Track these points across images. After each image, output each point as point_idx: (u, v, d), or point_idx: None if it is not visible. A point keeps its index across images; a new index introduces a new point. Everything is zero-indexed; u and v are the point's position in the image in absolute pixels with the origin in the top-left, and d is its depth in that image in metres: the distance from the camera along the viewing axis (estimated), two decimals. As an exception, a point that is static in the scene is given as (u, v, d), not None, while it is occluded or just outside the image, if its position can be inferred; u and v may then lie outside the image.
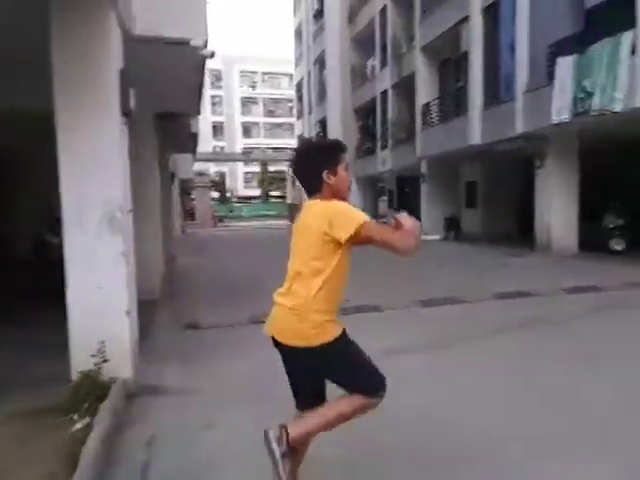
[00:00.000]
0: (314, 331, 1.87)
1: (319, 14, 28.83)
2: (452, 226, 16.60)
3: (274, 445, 1.87)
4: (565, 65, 9.19)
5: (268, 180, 53.75)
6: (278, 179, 52.61)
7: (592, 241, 11.13)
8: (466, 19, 13.52)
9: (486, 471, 2.36)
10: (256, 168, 56.21)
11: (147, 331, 4.79)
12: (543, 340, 4.75)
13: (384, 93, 21.09)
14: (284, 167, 44.86)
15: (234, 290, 7.87)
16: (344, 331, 1.95)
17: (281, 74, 62.10)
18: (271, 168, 52.72)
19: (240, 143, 61.38)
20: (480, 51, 13.04)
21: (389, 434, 2.66)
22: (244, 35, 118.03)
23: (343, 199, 1.99)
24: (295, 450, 1.93)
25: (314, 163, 2.01)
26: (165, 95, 5.83)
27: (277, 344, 2.00)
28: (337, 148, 2.08)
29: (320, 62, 29.15)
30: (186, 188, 28.91)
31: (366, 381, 1.94)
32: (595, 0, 9.14)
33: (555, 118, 9.47)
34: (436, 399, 3.21)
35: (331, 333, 1.90)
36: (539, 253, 11.22)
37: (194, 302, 6.93)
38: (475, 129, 12.99)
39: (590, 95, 8.68)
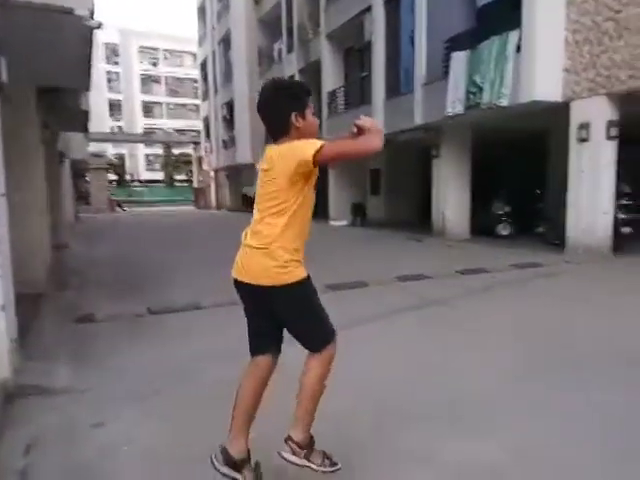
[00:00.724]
0: (281, 270, 1.88)
1: (224, -8, 27.89)
2: (358, 212, 17.11)
3: (294, 459, 1.94)
4: (458, 60, 9.77)
5: (172, 163, 51.39)
6: (183, 162, 50.49)
7: (482, 226, 12.09)
8: (369, 9, 13.83)
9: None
10: (159, 150, 53.44)
11: (31, 327, 4.37)
12: (438, 318, 5.11)
13: (291, 78, 21.00)
14: (190, 150, 43.15)
15: (133, 280, 7.45)
16: (308, 276, 1.96)
17: (184, 52, 59.36)
18: (175, 151, 50.42)
19: (141, 123, 57.95)
20: (382, 42, 13.43)
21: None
22: (145, 9, 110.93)
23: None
24: (312, 443, 2.00)
25: (283, 104, 1.92)
26: (48, 68, 5.26)
27: (240, 285, 1.99)
28: (306, 91, 2.01)
29: (225, 42, 28.25)
30: (80, 170, 26.66)
31: (319, 331, 1.98)
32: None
33: (450, 111, 10.06)
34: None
35: (296, 274, 1.91)
36: (436, 238, 11.95)
37: (87, 294, 6.45)
38: (378, 119, 13.41)
39: (480, 90, 9.32)
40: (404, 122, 12.11)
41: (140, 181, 54.87)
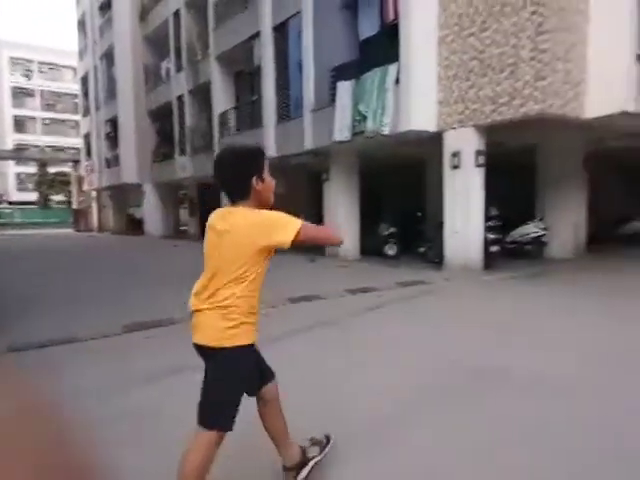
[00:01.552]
0: (232, 331, 1.88)
1: (106, 6, 26.46)
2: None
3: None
4: (344, 89, 10.19)
5: (48, 183, 46.96)
6: (60, 182, 46.35)
7: (371, 247, 12.59)
8: (258, 35, 13.97)
9: None
10: (33, 169, 48.60)
11: None
12: (329, 338, 5.12)
13: (180, 98, 20.41)
14: (68, 168, 39.79)
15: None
16: (254, 344, 2.00)
17: (64, 66, 55.25)
18: (52, 169, 46.20)
19: (11, 139, 52.45)
20: (272, 67, 13.59)
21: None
22: (18, 19, 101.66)
23: (268, 204, 2.02)
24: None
25: (242, 169, 1.96)
26: None
27: (201, 351, 1.97)
28: (262, 153, 2.06)
29: (108, 57, 26.73)
30: None
31: (224, 409, 1.93)
32: (367, 33, 10.32)
33: (337, 137, 10.41)
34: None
35: (247, 337, 1.94)
36: (329, 258, 12.18)
37: None
38: (270, 141, 13.48)
39: (365, 118, 9.78)
40: (295, 146, 12.29)
41: (10, 202, 49.37)
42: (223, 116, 16.67)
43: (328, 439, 2.41)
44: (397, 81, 9.29)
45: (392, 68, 9.29)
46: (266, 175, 2.01)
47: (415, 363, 4.20)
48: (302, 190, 17.12)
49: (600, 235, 13.50)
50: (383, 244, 12.43)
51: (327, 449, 2.35)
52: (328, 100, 11.05)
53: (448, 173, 9.39)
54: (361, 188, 12.73)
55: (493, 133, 9.27)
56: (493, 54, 8.33)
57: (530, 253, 10.89)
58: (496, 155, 9.84)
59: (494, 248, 9.78)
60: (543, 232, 10.77)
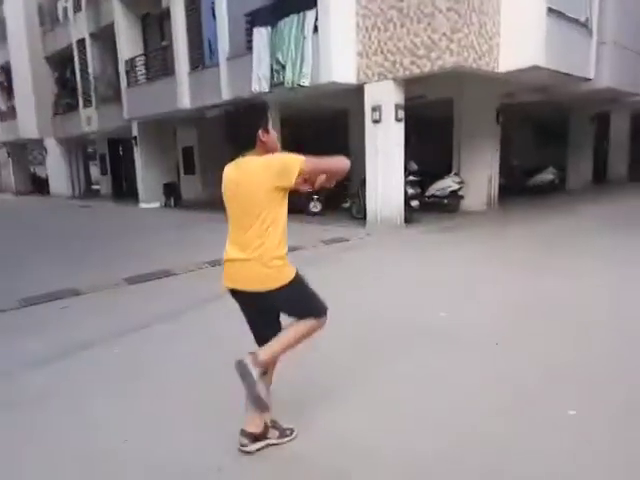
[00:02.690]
0: (276, 275, 2.14)
1: None
2: (171, 193, 16.03)
3: (250, 368, 2.15)
4: (260, 36, 9.58)
5: None
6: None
7: (295, 205, 12.34)
8: (165, -28, 12.70)
9: None
10: None
11: None
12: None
13: (82, 42, 18.38)
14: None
15: None
16: (297, 271, 2.25)
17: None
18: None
19: None
20: (182, 10, 12.48)
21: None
22: None
23: (274, 153, 2.16)
24: (265, 372, 2.23)
25: (253, 120, 2.15)
26: None
27: (236, 294, 2.25)
28: (267, 108, 2.26)
29: (-6, -8, 23.37)
30: None
31: (314, 308, 2.25)
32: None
33: (256, 88, 9.87)
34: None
35: (287, 276, 2.19)
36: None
37: None
38: (184, 92, 12.59)
39: (283, 68, 9.30)
40: (211, 97, 11.55)
41: None
42: (130, 63, 15.24)
43: (291, 431, 2.45)
44: (316, 29, 8.85)
45: (310, 15, 8.82)
46: (270, 128, 2.20)
47: (337, 316, 4.14)
48: (221, 144, 16.39)
49: (512, 187, 14.24)
50: (307, 201, 12.28)
51: (285, 440, 2.41)
52: (245, 47, 10.38)
53: (369, 128, 9.27)
54: (283, 142, 12.33)
55: (413, 86, 9.21)
56: (412, 3, 8.11)
57: (448, 206, 11.24)
58: (416, 109, 9.83)
59: (414, 203, 9.96)
60: (459, 186, 11.10)
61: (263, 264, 2.12)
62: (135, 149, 16.20)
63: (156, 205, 15.88)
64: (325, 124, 14.42)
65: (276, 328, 2.30)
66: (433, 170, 11.30)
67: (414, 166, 10.19)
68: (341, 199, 11.96)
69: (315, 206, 12.13)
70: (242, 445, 2.32)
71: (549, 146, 19.11)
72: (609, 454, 2.27)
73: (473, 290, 5.13)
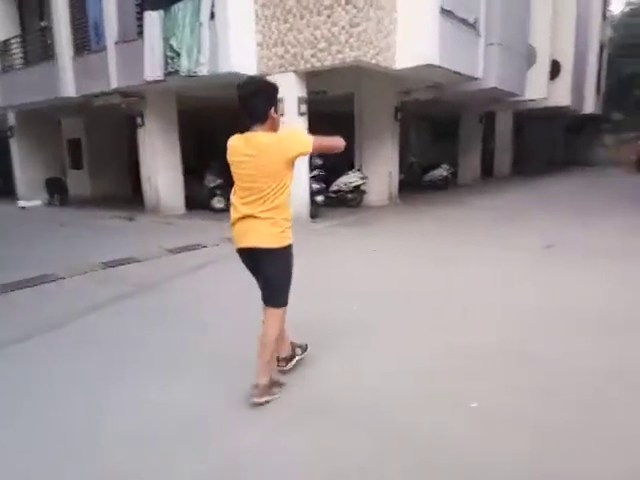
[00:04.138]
0: (282, 235, 2.51)
1: None
2: (56, 189, 14.53)
3: (264, 399, 2.60)
4: (152, 20, 8.92)
5: None
6: None
7: (198, 200, 11.83)
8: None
9: None
10: None
11: None
12: (151, 306, 4.53)
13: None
14: None
15: None
16: (291, 243, 2.60)
17: None
18: None
19: None
20: (62, -14, 11.30)
21: None
22: None
23: (276, 130, 2.55)
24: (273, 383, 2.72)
25: (265, 100, 2.50)
26: None
27: (244, 251, 2.60)
28: (277, 90, 2.61)
29: None
30: None
31: (286, 292, 2.63)
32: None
33: (149, 75, 9.19)
34: None
35: (290, 238, 2.57)
36: (149, 215, 11.09)
37: None
38: (67, 79, 11.41)
39: (179, 55, 8.75)
40: (98, 84, 10.59)
41: None
42: (4, 45, 13.53)
43: (306, 346, 3.19)
44: (212, 16, 8.42)
45: (206, 1, 8.36)
46: (276, 107, 2.57)
47: (252, 316, 3.90)
48: (116, 137, 15.23)
49: (410, 182, 14.85)
50: (210, 197, 11.77)
51: (306, 352, 3.16)
52: (136, 31, 9.61)
53: (271, 120, 9.04)
54: (184, 135, 11.70)
55: (315, 80, 9.14)
56: (310, -5, 8.01)
57: (352, 201, 11.38)
58: (318, 104, 9.79)
59: (319, 198, 9.93)
60: (362, 181, 11.29)
61: (273, 223, 2.48)
62: (11, 141, 14.45)
63: (37, 203, 14.32)
64: (230, 118, 13.92)
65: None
66: (337, 165, 11.37)
67: (318, 161, 10.16)
68: (245, 194, 11.62)
69: (219, 201, 11.66)
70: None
71: (443, 143, 20.27)
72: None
73: (378, 281, 5.15)
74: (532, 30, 15.27)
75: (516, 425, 2.43)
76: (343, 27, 7.74)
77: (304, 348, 3.17)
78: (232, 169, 2.57)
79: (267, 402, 2.62)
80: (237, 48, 8.48)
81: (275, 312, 2.63)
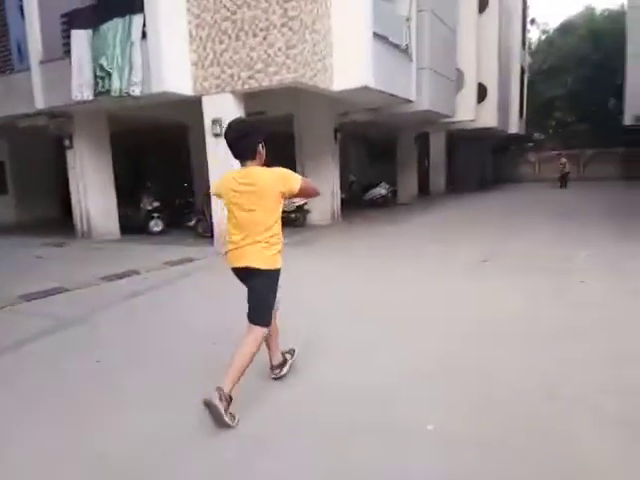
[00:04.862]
0: (274, 258, 2.80)
1: None
2: (-25, 217, 13.48)
3: (218, 403, 2.52)
4: (80, 39, 8.54)
5: None
6: None
7: (133, 224, 11.35)
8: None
9: None
10: None
11: None
12: (75, 343, 4.17)
13: None
14: None
15: None
16: (280, 268, 2.88)
17: None
18: None
19: None
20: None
21: None
22: None
23: (264, 164, 2.84)
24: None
25: (255, 138, 2.78)
26: None
27: (240, 271, 2.83)
28: (265, 128, 2.89)
29: None
30: None
31: (269, 310, 2.87)
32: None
33: (77, 96, 8.76)
34: None
35: (279, 262, 2.86)
36: (81, 240, 10.48)
37: None
38: (-14, 98, 10.69)
39: (109, 75, 8.41)
40: (22, 105, 9.98)
41: None
42: None
43: (294, 350, 3.37)
44: (144, 35, 8.20)
45: (137, 19, 8.13)
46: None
47: (190, 339, 3.67)
48: (44, 160, 14.42)
49: (351, 201, 15.08)
50: (147, 220, 11.33)
51: (295, 355, 3.35)
52: (62, 50, 9.17)
53: (211, 142, 8.88)
54: (118, 156, 11.25)
55: (253, 101, 9.09)
56: (246, 16, 8.00)
57: (296, 221, 11.34)
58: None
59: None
60: (305, 201, 11.30)
61: (267, 247, 2.73)
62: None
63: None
64: (166, 139, 13.59)
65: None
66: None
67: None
68: (185, 217, 11.31)
69: (157, 224, 11.26)
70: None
71: (382, 163, 20.81)
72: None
73: (322, 297, 5.08)
74: (459, 55, 16.18)
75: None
76: (279, 49, 7.78)
77: (293, 352, 3.35)
78: (225, 202, 2.80)
79: (217, 408, 2.52)
80: (171, 68, 8.28)
81: (259, 331, 2.80)
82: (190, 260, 7.81)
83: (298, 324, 4.30)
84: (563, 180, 23.13)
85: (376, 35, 9.22)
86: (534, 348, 3.56)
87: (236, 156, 2.78)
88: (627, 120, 26.04)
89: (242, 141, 2.75)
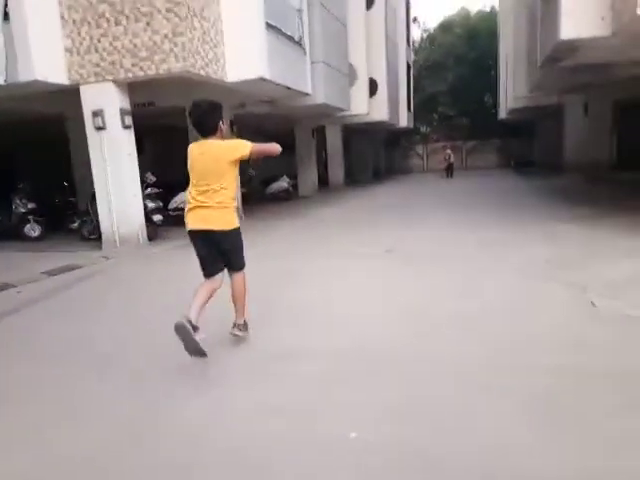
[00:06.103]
0: (234, 220, 3.32)
1: None
2: None
3: (240, 334, 3.57)
4: None
5: None
6: None
7: (5, 229, 10.06)
8: None
9: None
10: None
11: None
12: None
13: None
14: None
15: None
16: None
17: None
18: None
19: None
20: None
21: None
22: None
23: (224, 138, 3.35)
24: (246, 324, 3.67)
25: (216, 115, 3.28)
26: None
27: (197, 233, 3.29)
28: (222, 106, 3.38)
29: None
30: None
31: (243, 258, 3.50)
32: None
33: None
34: None
35: (236, 222, 3.36)
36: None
37: None
38: None
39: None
40: None
41: None
42: None
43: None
44: (6, 17, 7.19)
45: (-5, -3, 7.11)
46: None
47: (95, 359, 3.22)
48: None
49: (252, 196, 14.78)
50: (22, 224, 10.07)
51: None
52: None
53: (92, 135, 8.09)
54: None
55: (141, 91, 8.45)
56: (125, 0, 7.36)
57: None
58: (150, 117, 9.08)
59: (156, 217, 9.19)
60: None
61: (223, 208, 3.22)
62: None
63: None
64: (41, 133, 12.18)
65: (220, 267, 3.41)
66: (175, 182, 10.69)
67: (152, 178, 9.41)
68: (68, 219, 10.25)
69: (33, 229, 10.06)
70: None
71: (281, 156, 20.63)
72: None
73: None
74: (350, 50, 16.53)
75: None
76: (166, 35, 7.27)
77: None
78: (189, 169, 3.28)
79: (244, 337, 3.57)
80: (40, 54, 7.36)
81: (240, 274, 3.48)
82: (74, 267, 7.03)
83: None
84: (449, 170, 24.82)
85: (269, 26, 9.03)
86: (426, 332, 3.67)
87: (200, 132, 3.25)
88: (501, 114, 28.72)
89: (204, 118, 3.23)
